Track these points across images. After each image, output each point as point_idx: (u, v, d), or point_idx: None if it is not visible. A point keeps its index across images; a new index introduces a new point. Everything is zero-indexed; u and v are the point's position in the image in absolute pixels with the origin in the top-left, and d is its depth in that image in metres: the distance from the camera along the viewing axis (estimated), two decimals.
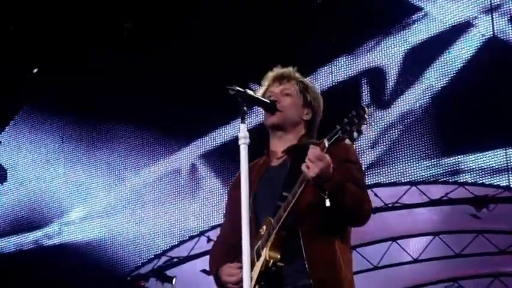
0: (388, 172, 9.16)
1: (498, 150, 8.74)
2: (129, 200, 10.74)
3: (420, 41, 9.51)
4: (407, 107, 9.34)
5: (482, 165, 8.80)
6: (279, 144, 3.84)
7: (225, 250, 3.82)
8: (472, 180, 8.82)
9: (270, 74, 3.94)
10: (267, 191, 3.73)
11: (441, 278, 10.95)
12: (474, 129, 8.92)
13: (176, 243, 10.11)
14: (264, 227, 3.62)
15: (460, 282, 10.88)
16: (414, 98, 9.34)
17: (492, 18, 9.11)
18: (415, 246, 10.41)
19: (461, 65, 9.20)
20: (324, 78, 9.63)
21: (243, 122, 3.47)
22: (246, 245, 3.30)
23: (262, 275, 3.53)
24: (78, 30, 10.47)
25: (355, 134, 3.36)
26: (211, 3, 10.48)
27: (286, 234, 3.56)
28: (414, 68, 9.48)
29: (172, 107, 10.56)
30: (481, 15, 9.27)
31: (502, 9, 9.16)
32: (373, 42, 9.75)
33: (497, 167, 8.72)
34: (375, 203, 8.74)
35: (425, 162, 9.07)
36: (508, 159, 8.66)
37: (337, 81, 9.68)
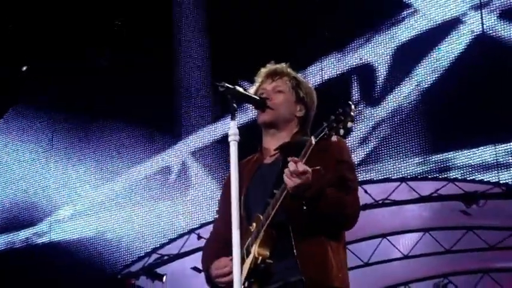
0: (378, 169, 9.18)
1: (487, 146, 8.77)
2: (120, 198, 10.72)
3: (410, 38, 9.53)
4: (397, 104, 9.36)
5: (472, 161, 8.83)
6: (272, 142, 3.83)
7: (218, 247, 3.81)
8: (462, 177, 8.84)
9: (263, 71, 3.92)
10: (259, 189, 3.72)
11: (431, 274, 10.96)
12: (464, 126, 8.94)
13: (166, 241, 10.09)
14: (254, 224, 3.61)
15: (450, 278, 10.88)
16: (404, 95, 9.36)
17: (481, 14, 9.14)
18: (405, 242, 10.42)
19: (451, 61, 9.22)
20: (314, 75, 9.64)
21: (233, 118, 3.47)
22: (236, 240, 3.30)
23: (252, 272, 3.52)
24: (66, 28, 10.48)
25: (342, 131, 3.38)
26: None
27: (276, 231, 3.55)
28: (404, 64, 9.50)
29: (163, 105, 10.56)
30: (471, 12, 9.29)
31: (491, 6, 9.18)
32: (363, 39, 9.76)
33: (486, 163, 8.75)
34: (365, 199, 8.75)
35: (415, 159, 9.08)
36: (498, 155, 8.68)
37: (328, 78, 9.70)
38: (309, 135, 3.63)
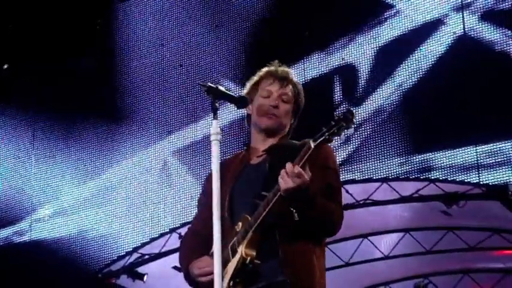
0: (360, 169, 9.19)
1: (468, 147, 8.81)
2: (100, 197, 10.68)
3: (392, 38, 9.55)
4: (379, 104, 9.38)
5: (453, 162, 8.86)
6: (262, 143, 3.84)
7: (196, 243, 3.80)
8: (443, 177, 8.87)
9: (269, 71, 3.93)
10: (244, 189, 3.72)
11: (412, 274, 10.99)
12: (445, 127, 8.98)
13: (147, 240, 10.06)
14: (240, 223, 3.61)
15: (431, 278, 10.91)
16: (386, 95, 9.38)
17: (463, 16, 9.18)
18: (386, 242, 10.45)
19: (433, 62, 9.25)
20: (297, 75, 9.63)
21: (215, 117, 3.47)
22: (217, 237, 3.29)
23: (238, 272, 3.53)
24: (47, 28, 10.45)
25: (341, 137, 3.41)
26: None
27: (263, 233, 3.56)
28: (386, 65, 9.52)
29: (145, 104, 10.54)
30: (452, 13, 9.33)
31: (473, 7, 9.22)
32: (345, 40, 9.77)
33: (467, 164, 8.78)
34: (347, 199, 8.75)
35: (397, 159, 9.11)
36: (478, 156, 8.72)
37: (310, 78, 9.71)
38: (292, 138, 3.66)
